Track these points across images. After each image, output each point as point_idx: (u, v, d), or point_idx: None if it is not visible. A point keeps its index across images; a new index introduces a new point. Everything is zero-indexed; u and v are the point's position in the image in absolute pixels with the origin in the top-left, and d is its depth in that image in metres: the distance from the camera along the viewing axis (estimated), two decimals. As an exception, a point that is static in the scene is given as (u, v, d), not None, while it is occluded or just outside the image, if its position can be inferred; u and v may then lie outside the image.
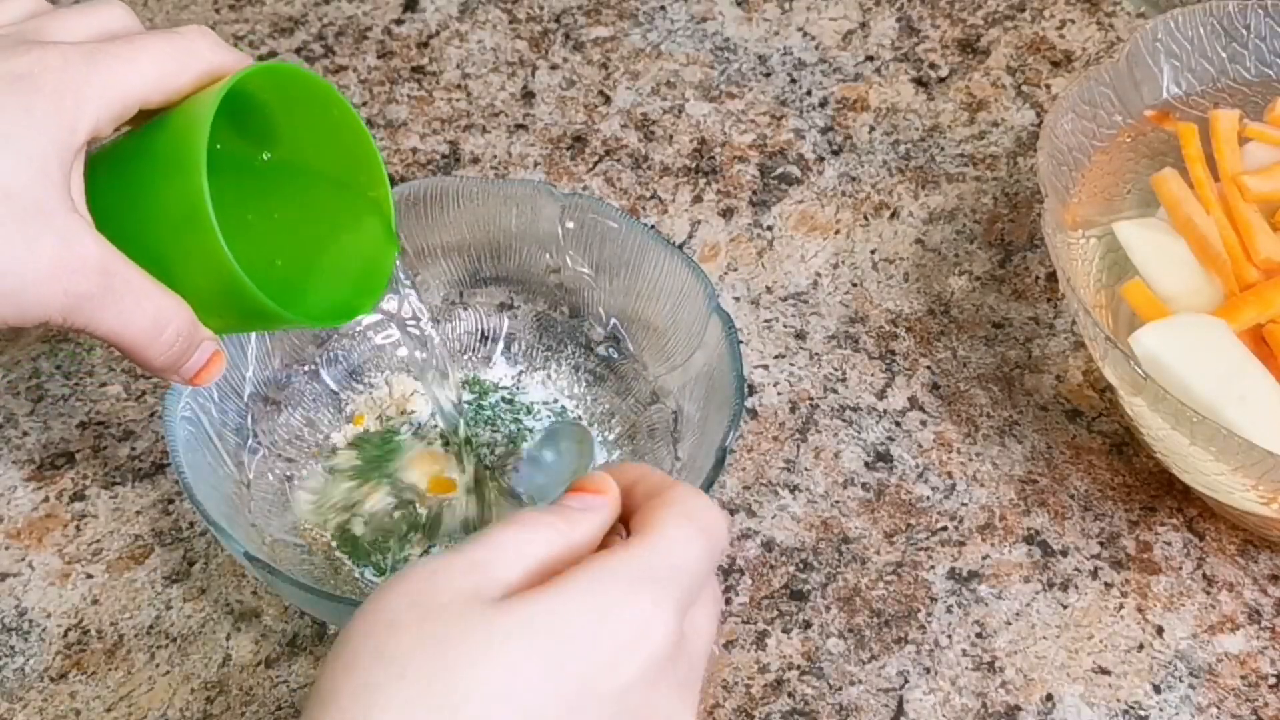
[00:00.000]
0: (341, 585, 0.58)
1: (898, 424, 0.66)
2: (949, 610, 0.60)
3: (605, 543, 0.41)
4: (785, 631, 0.60)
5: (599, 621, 0.38)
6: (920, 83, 0.82)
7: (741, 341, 0.68)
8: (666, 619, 0.39)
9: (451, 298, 0.67)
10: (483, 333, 0.67)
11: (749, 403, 0.67)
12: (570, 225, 0.63)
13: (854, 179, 0.77)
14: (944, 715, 0.57)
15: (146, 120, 0.46)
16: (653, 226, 0.73)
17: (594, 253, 0.64)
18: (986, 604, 0.61)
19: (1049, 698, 0.58)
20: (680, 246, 0.72)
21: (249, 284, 0.45)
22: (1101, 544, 0.63)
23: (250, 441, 0.61)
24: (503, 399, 0.65)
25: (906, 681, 0.58)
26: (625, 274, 0.64)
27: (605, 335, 0.65)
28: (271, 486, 0.61)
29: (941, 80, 0.82)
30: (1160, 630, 0.60)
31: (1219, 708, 0.58)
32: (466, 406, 0.64)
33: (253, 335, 0.62)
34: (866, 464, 0.65)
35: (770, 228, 0.74)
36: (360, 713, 0.36)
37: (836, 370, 0.68)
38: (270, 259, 0.50)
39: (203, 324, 0.48)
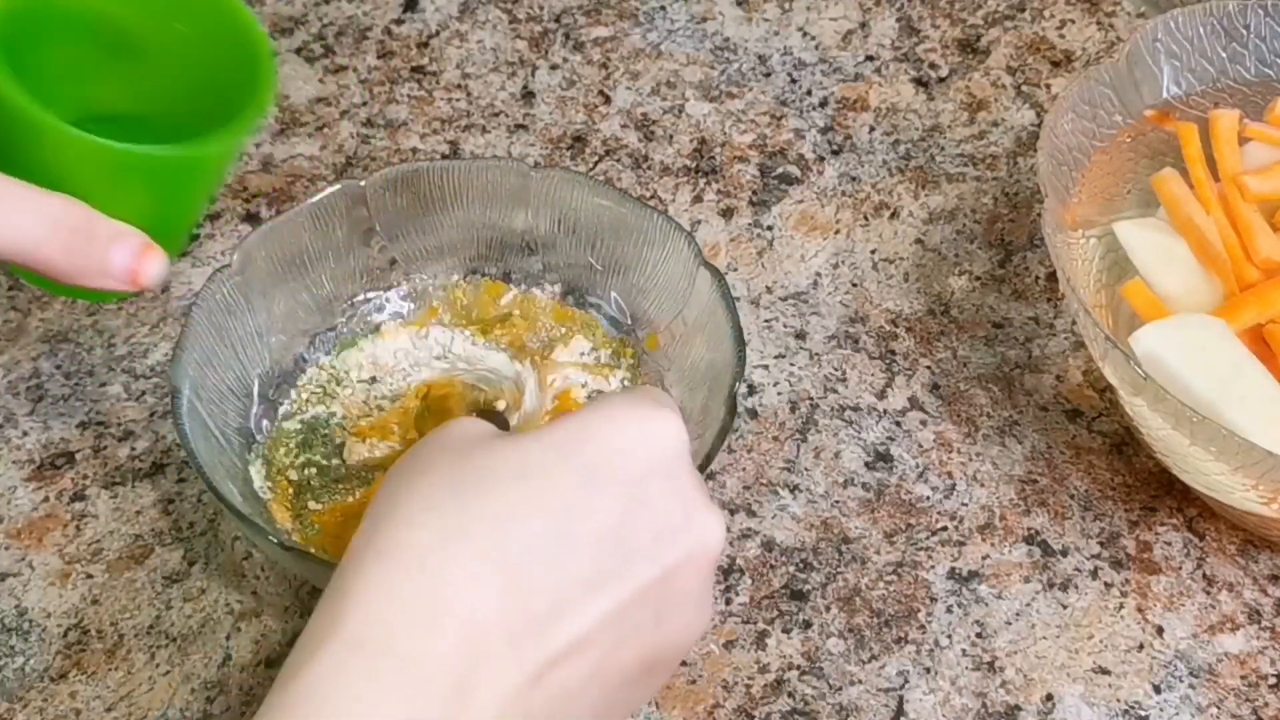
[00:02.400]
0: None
1: (898, 424, 0.67)
2: (949, 610, 0.60)
3: None
4: (785, 631, 0.60)
5: (608, 420, 0.41)
6: (920, 83, 0.82)
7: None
8: (674, 418, 0.42)
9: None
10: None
11: (749, 403, 0.67)
12: (541, 195, 0.65)
13: (854, 179, 0.77)
14: (944, 715, 0.57)
15: None
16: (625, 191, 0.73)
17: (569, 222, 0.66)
18: (986, 604, 0.61)
19: (1049, 698, 0.58)
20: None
21: (88, 138, 0.48)
22: (1101, 544, 0.63)
23: (255, 442, 0.61)
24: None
25: (906, 681, 0.58)
26: (608, 239, 0.65)
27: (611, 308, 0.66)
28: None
29: (941, 80, 0.82)
30: (1160, 630, 0.60)
31: (1219, 708, 0.58)
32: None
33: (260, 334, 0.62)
34: (866, 464, 0.65)
35: (770, 228, 0.74)
36: (403, 546, 0.38)
37: (836, 370, 0.68)
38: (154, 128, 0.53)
39: (115, 217, 0.49)
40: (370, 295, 0.66)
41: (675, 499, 0.41)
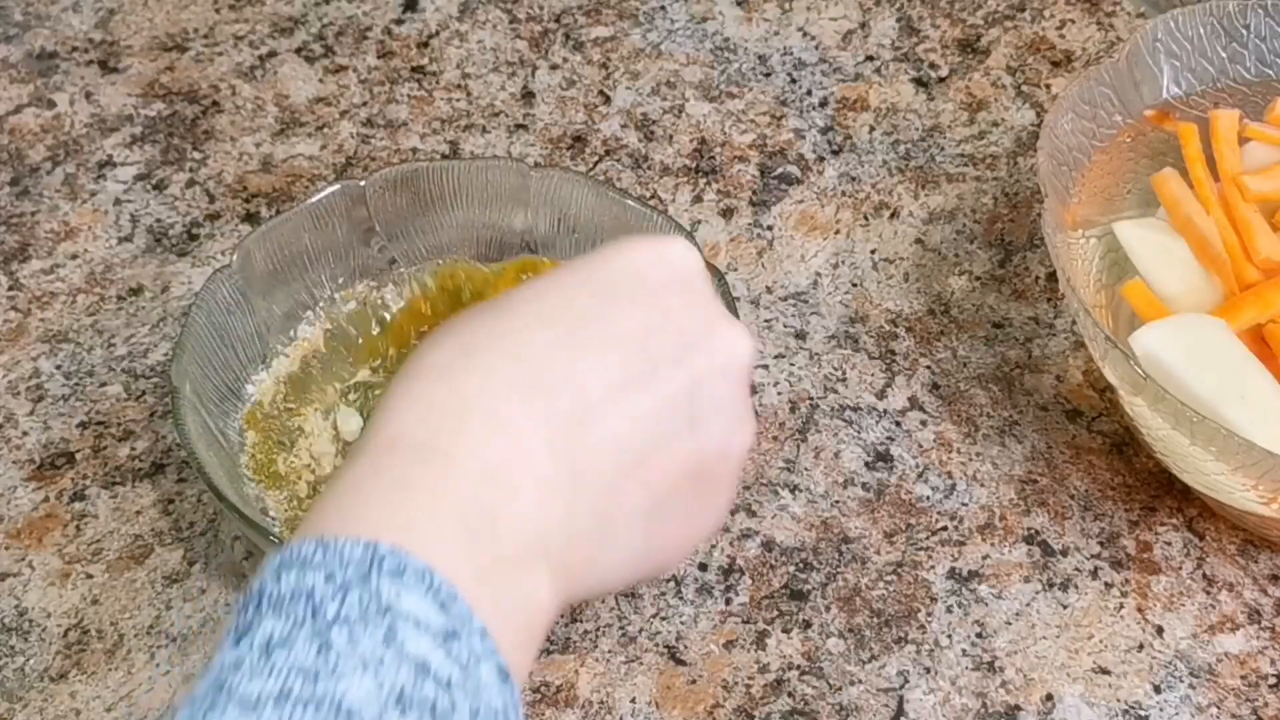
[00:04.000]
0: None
1: (898, 424, 0.66)
2: (949, 610, 0.60)
3: None
4: (785, 631, 0.60)
5: (624, 247, 0.42)
6: (920, 83, 0.82)
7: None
8: (689, 245, 0.43)
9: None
10: None
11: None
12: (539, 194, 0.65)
13: (854, 179, 0.77)
14: (944, 715, 0.57)
15: None
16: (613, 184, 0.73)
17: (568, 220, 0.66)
18: (986, 604, 0.61)
19: (1049, 698, 0.58)
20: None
21: None
22: (1101, 544, 0.63)
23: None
24: None
25: (906, 681, 0.58)
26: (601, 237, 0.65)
27: None
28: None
29: (941, 80, 0.82)
30: (1160, 630, 0.60)
31: (1219, 708, 0.58)
32: None
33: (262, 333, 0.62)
34: (866, 464, 0.65)
35: (770, 228, 0.74)
36: (427, 366, 0.39)
37: (836, 370, 0.68)
38: None
39: None
40: (370, 295, 0.66)
41: (697, 311, 0.42)
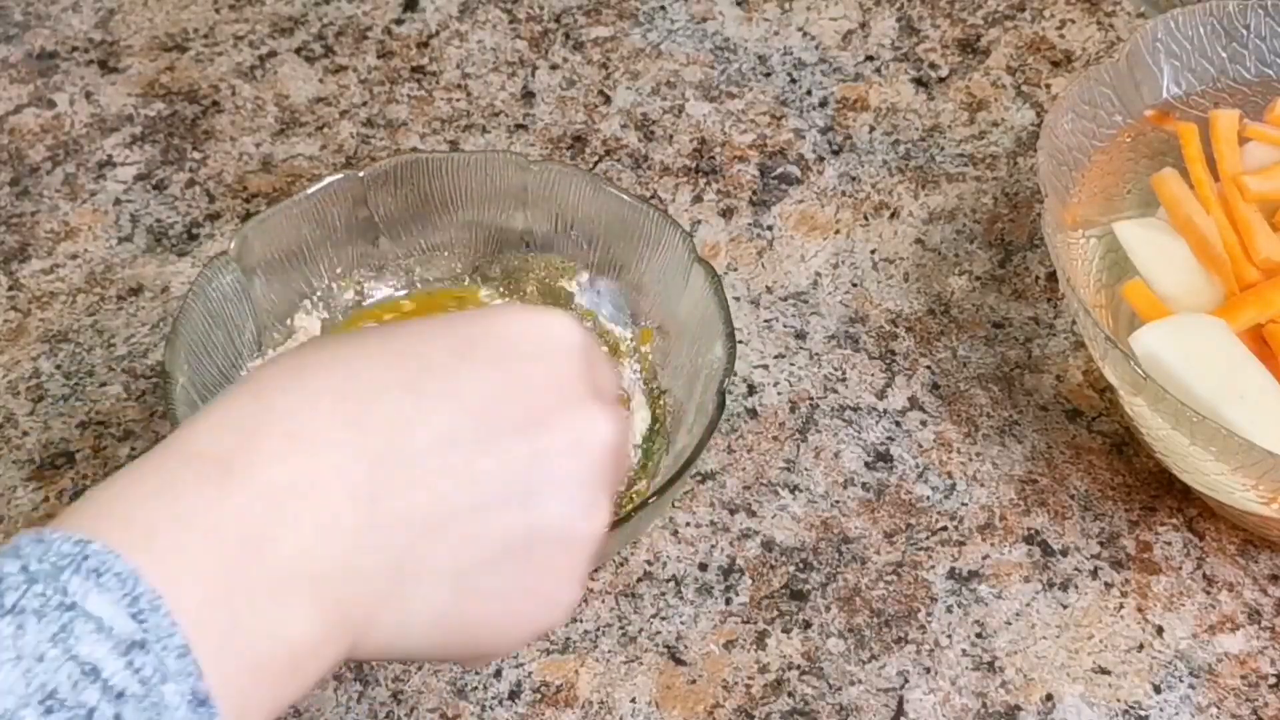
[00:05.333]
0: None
1: (898, 424, 0.66)
2: (949, 610, 0.60)
3: None
4: (785, 631, 0.60)
5: (502, 312, 0.41)
6: (920, 83, 0.82)
7: (741, 342, 0.68)
8: (574, 323, 0.41)
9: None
10: None
11: (749, 403, 0.67)
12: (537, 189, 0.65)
13: (854, 179, 0.77)
14: (944, 715, 0.57)
15: None
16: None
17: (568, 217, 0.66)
18: (986, 604, 0.61)
19: (1049, 698, 0.58)
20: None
21: None
22: (1101, 544, 0.63)
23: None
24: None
25: (906, 681, 0.58)
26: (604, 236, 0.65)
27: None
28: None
29: (941, 80, 0.82)
30: (1160, 630, 0.60)
31: (1219, 708, 0.58)
32: None
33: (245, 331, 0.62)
34: (866, 464, 0.65)
35: (770, 228, 0.74)
36: (251, 379, 0.38)
37: (836, 370, 0.68)
38: None
39: None
40: (367, 288, 0.66)
41: (561, 387, 0.39)
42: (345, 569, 0.36)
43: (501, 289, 0.67)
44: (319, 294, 0.65)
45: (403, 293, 0.67)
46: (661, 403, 0.63)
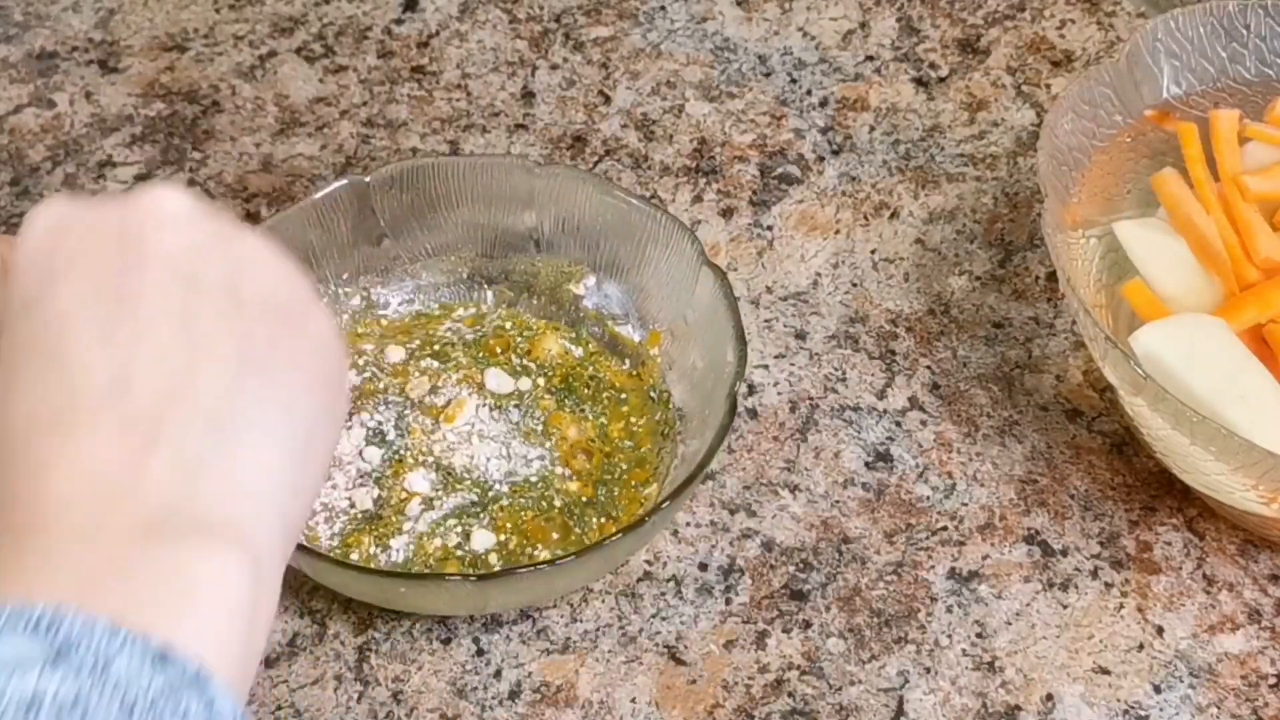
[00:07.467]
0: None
1: (898, 424, 0.66)
2: (949, 610, 0.60)
3: None
4: (785, 631, 0.60)
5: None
6: (920, 83, 0.82)
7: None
8: (182, 195, 0.41)
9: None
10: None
11: (749, 403, 0.67)
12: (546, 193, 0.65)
13: (854, 179, 0.77)
14: (944, 715, 0.57)
15: None
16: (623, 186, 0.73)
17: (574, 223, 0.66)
18: (986, 604, 0.61)
19: (1049, 698, 0.58)
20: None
21: None
22: (1101, 544, 0.63)
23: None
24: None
25: (906, 681, 0.58)
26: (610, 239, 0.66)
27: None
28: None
29: (941, 80, 0.82)
30: (1160, 630, 0.60)
31: (1219, 708, 0.58)
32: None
33: None
34: (866, 464, 0.65)
35: (770, 228, 0.74)
36: None
37: (836, 370, 0.68)
38: None
39: None
40: (373, 292, 0.66)
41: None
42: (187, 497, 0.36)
43: (508, 292, 0.67)
44: (325, 300, 0.65)
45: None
46: (670, 405, 0.63)
